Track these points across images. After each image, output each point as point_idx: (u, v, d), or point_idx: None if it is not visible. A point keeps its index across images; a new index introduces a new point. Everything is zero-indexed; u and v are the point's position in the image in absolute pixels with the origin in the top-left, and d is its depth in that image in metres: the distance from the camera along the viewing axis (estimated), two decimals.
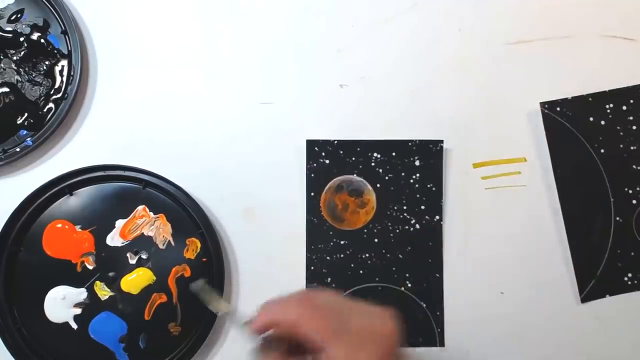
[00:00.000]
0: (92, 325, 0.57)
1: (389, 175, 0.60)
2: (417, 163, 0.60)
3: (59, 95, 0.59)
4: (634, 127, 0.61)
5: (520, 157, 0.61)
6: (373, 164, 0.60)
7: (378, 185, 0.60)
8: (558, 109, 0.61)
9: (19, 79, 0.59)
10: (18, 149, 0.58)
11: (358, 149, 0.60)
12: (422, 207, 0.60)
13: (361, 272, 0.60)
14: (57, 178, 0.58)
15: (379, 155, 0.60)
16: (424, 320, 0.60)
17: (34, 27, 0.59)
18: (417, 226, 0.60)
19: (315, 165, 0.60)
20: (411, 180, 0.60)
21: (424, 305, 0.60)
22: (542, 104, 0.61)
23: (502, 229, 0.61)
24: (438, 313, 0.60)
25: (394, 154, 0.60)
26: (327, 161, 0.60)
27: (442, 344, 0.60)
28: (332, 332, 0.39)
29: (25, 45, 0.59)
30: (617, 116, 0.61)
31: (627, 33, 0.62)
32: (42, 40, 0.59)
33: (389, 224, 0.60)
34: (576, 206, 0.60)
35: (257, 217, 0.60)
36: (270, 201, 0.60)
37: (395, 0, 0.62)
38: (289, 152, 0.60)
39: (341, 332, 0.39)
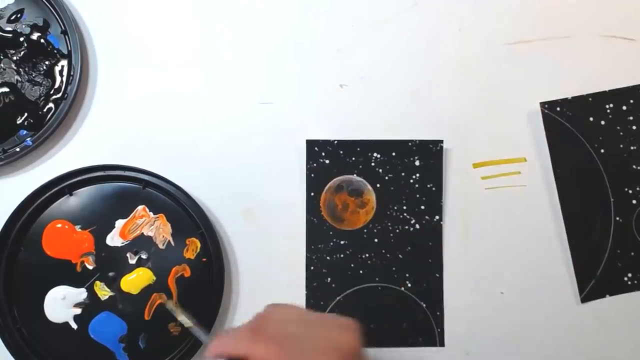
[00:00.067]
0: (92, 325, 0.57)
1: (389, 175, 0.60)
2: (417, 163, 0.60)
3: (58, 95, 0.59)
4: (634, 127, 0.61)
5: (520, 157, 0.61)
6: (373, 164, 0.60)
7: (378, 185, 0.60)
8: (558, 109, 0.61)
9: (19, 79, 0.59)
10: (18, 149, 0.58)
11: (358, 149, 0.60)
12: (422, 207, 0.60)
13: (361, 272, 0.60)
14: (57, 178, 0.58)
15: (379, 155, 0.60)
16: (424, 320, 0.60)
17: (34, 27, 0.59)
18: (417, 226, 0.60)
19: (315, 165, 0.60)
20: (411, 180, 0.60)
21: (424, 305, 0.60)
22: (542, 104, 0.61)
23: (502, 229, 0.61)
24: (438, 313, 0.60)
25: (394, 154, 0.60)
26: (327, 161, 0.60)
27: (442, 344, 0.60)
28: None
29: (25, 45, 0.59)
30: (617, 116, 0.61)
31: (627, 33, 0.62)
32: (42, 40, 0.59)
33: (389, 224, 0.60)
34: (576, 206, 0.60)
35: (257, 217, 0.60)
36: (270, 201, 0.60)
37: (395, 0, 0.62)
38: (289, 152, 0.60)
39: None
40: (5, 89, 0.59)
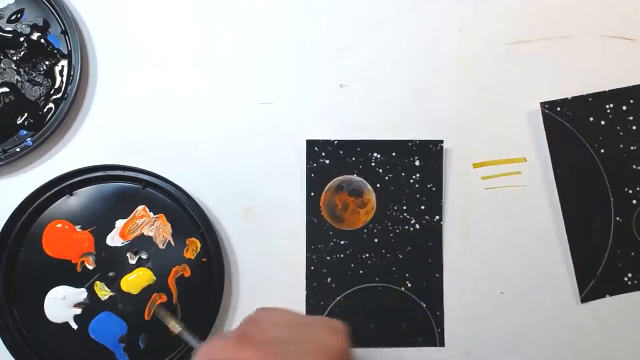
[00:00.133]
0: (92, 325, 0.57)
1: (389, 175, 0.60)
2: (417, 163, 0.60)
3: (59, 95, 0.59)
4: (634, 127, 0.61)
5: (520, 157, 0.61)
6: (373, 164, 0.60)
7: (378, 185, 0.60)
8: (558, 109, 0.61)
9: (19, 79, 0.59)
10: (18, 149, 0.58)
11: (358, 149, 0.60)
12: (422, 207, 0.60)
13: (361, 272, 0.60)
14: (57, 178, 0.58)
15: (379, 155, 0.60)
16: (424, 320, 0.60)
17: (34, 27, 0.59)
18: (417, 226, 0.60)
19: (315, 165, 0.60)
20: (411, 180, 0.60)
21: (424, 305, 0.60)
22: (542, 104, 0.61)
23: (502, 229, 0.61)
24: (438, 313, 0.60)
25: (394, 154, 0.60)
26: (327, 161, 0.60)
27: (442, 344, 0.60)
28: None
29: (25, 45, 0.59)
30: (617, 116, 0.61)
31: (627, 33, 0.62)
32: (42, 40, 0.59)
33: (389, 224, 0.60)
34: (576, 206, 0.60)
35: (257, 217, 0.60)
36: (270, 201, 0.60)
37: (395, 0, 0.62)
38: (289, 152, 0.60)
39: None
40: (5, 89, 0.59)
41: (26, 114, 0.59)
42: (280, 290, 0.60)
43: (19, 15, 0.59)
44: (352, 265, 0.60)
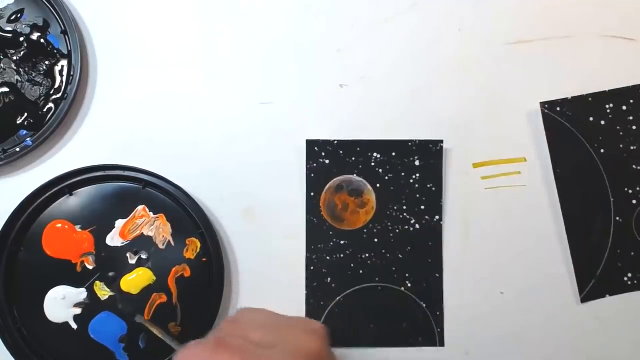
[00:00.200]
0: (92, 325, 0.57)
1: (389, 175, 0.60)
2: (417, 163, 0.60)
3: (59, 95, 0.59)
4: (634, 127, 0.61)
5: (520, 157, 0.61)
6: (373, 164, 0.60)
7: (378, 185, 0.60)
8: (558, 109, 0.61)
9: (19, 79, 0.59)
10: (18, 149, 0.58)
11: (358, 149, 0.60)
12: (422, 207, 0.60)
13: (361, 272, 0.60)
14: (57, 178, 0.58)
15: (379, 155, 0.60)
16: (424, 320, 0.60)
17: (34, 27, 0.59)
18: (417, 226, 0.60)
19: (315, 165, 0.60)
20: (411, 180, 0.60)
21: (424, 305, 0.60)
22: (542, 104, 0.61)
23: (502, 229, 0.61)
24: (438, 313, 0.60)
25: (394, 154, 0.60)
26: (327, 161, 0.60)
27: (442, 344, 0.60)
28: None
29: (25, 45, 0.59)
30: (617, 116, 0.61)
31: (627, 33, 0.62)
32: (42, 40, 0.59)
33: (389, 224, 0.60)
34: (576, 206, 0.60)
35: (257, 217, 0.60)
36: (270, 201, 0.60)
37: (395, 0, 0.62)
38: (289, 152, 0.60)
39: None
40: (5, 89, 0.59)
41: (26, 114, 0.59)
42: (280, 290, 0.60)
43: (19, 15, 0.59)
44: (352, 265, 0.60)
